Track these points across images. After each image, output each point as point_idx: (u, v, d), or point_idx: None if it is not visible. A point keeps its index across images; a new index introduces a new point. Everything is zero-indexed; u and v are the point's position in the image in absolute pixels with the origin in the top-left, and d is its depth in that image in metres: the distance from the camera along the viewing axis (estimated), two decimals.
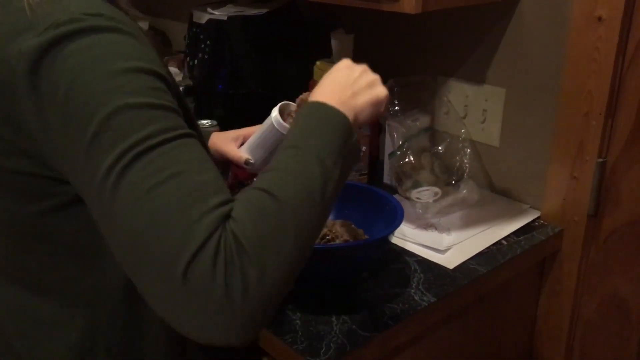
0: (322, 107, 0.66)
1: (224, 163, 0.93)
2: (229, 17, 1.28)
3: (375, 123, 1.27)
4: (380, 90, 0.72)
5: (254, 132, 0.92)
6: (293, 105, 0.90)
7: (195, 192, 0.54)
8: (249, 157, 0.91)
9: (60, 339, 0.69)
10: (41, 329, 0.69)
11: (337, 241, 0.92)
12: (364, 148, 1.14)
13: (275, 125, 0.86)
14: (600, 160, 1.01)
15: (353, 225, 0.95)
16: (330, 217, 0.99)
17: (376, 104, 0.71)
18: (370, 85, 0.71)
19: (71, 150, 0.56)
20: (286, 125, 0.87)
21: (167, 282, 0.52)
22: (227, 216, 0.55)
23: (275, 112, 0.87)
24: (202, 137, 0.76)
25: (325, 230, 0.94)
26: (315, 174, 0.59)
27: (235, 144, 0.93)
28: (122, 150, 0.54)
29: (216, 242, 0.52)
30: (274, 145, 0.92)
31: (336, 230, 0.94)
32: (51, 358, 0.70)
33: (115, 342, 0.70)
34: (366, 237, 0.95)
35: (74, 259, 0.67)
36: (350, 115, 0.66)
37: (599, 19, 0.95)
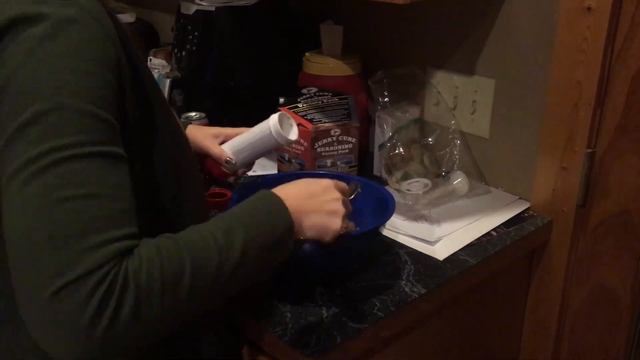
0: (275, 199, 0.66)
1: (199, 156, 0.92)
2: (217, 8, 1.26)
3: (365, 115, 1.27)
4: (336, 224, 0.71)
5: (241, 134, 0.92)
6: (291, 119, 0.91)
7: (106, 218, 0.53)
8: (231, 157, 0.91)
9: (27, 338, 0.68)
10: (4, 329, 0.69)
11: None
12: (353, 140, 1.14)
13: (274, 135, 0.87)
14: (589, 150, 1.01)
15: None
16: None
17: (324, 231, 0.70)
18: (331, 215, 0.71)
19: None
20: (285, 136, 0.87)
21: (37, 295, 0.51)
22: (129, 251, 0.54)
23: (274, 119, 0.87)
24: (178, 123, 0.75)
25: None
26: (232, 256, 0.59)
27: (217, 140, 0.93)
28: (48, 147, 0.52)
29: (103, 274, 0.51)
30: (264, 152, 0.93)
31: None
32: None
33: None
34: (357, 229, 0.95)
35: None
36: (297, 222, 0.66)
37: (588, 9, 0.95)
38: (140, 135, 0.65)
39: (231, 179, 1.01)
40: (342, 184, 0.76)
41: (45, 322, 0.52)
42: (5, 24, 0.55)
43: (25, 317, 0.53)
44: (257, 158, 0.95)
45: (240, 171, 0.97)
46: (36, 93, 0.53)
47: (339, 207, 0.72)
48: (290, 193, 0.69)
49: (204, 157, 0.94)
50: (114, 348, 0.53)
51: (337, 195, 0.73)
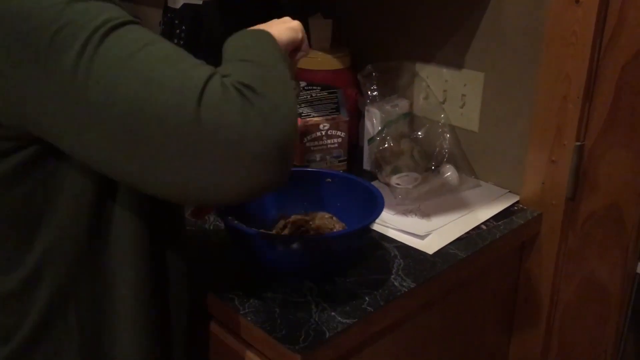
0: (245, 31, 0.69)
1: None
2: (205, 2, 1.25)
3: (354, 109, 1.26)
4: (295, 23, 0.76)
5: None
6: None
7: (177, 52, 0.54)
8: None
9: (26, 314, 0.67)
10: (4, 305, 0.68)
11: (312, 233, 0.91)
12: (342, 134, 1.13)
13: None
14: (578, 144, 1.01)
15: (334, 218, 0.94)
16: (311, 209, 0.98)
17: (290, 28, 0.74)
18: (285, 21, 0.76)
19: (25, 71, 0.53)
20: None
21: (182, 127, 0.50)
22: (217, 72, 0.55)
23: None
24: None
25: (301, 220, 0.93)
26: (273, 56, 0.62)
27: None
28: (86, 36, 0.52)
29: (219, 80, 0.52)
30: None
31: (314, 222, 0.93)
32: (18, 332, 0.68)
33: (84, 305, 0.69)
34: (345, 227, 0.94)
35: (14, 232, 0.65)
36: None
37: (577, 1, 0.95)
38: None
39: None
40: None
41: (206, 144, 0.51)
42: None
43: (185, 168, 0.52)
44: None
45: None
46: (43, 13, 0.53)
47: (291, 21, 0.77)
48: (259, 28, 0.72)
49: None
50: (280, 148, 0.52)
51: (291, 20, 0.77)
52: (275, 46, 0.66)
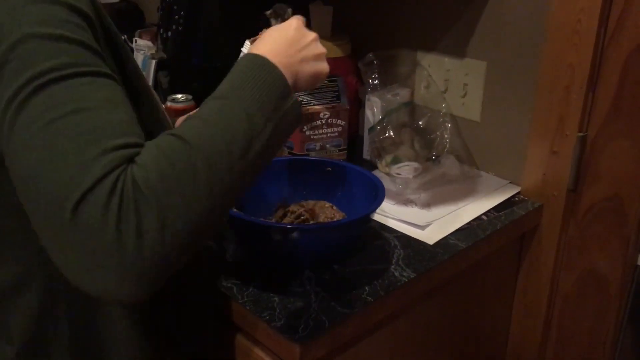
0: (260, 60, 0.61)
1: None
2: None
3: (354, 97, 1.25)
4: (325, 67, 0.69)
5: None
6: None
7: (97, 130, 0.50)
8: None
9: (23, 311, 0.67)
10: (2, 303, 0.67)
11: (312, 222, 0.90)
12: (342, 123, 1.12)
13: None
14: (581, 134, 1.00)
15: (334, 207, 0.93)
16: (311, 198, 0.97)
17: (317, 78, 0.68)
18: (317, 58, 0.68)
19: None
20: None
21: (55, 221, 0.49)
22: (130, 160, 0.51)
23: (245, 48, 0.81)
24: (157, 104, 0.73)
25: (301, 209, 0.92)
26: (238, 128, 0.55)
27: None
28: (23, 80, 0.50)
29: (112, 183, 0.48)
30: None
31: (313, 212, 0.92)
32: (14, 326, 0.67)
33: (75, 308, 0.68)
34: (345, 216, 0.93)
35: (13, 220, 0.64)
36: (289, 78, 0.62)
37: None
38: None
39: None
40: (301, 18, 0.73)
41: (73, 249, 0.49)
42: None
43: (52, 253, 0.50)
44: None
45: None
46: None
47: (321, 49, 0.70)
48: (271, 49, 0.63)
49: None
50: (148, 268, 0.49)
51: (312, 34, 0.70)
52: (275, 98, 0.59)
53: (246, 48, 0.80)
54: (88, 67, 0.53)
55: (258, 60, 0.61)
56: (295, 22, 0.70)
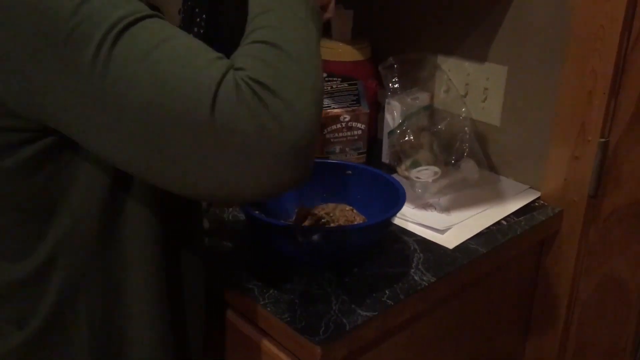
0: None
1: None
2: None
3: (374, 101, 1.26)
4: None
5: None
6: None
7: (193, 49, 0.53)
8: None
9: (39, 300, 0.67)
10: (18, 291, 0.68)
11: (332, 225, 0.91)
12: (362, 126, 1.12)
13: None
14: (603, 140, 1.00)
15: (355, 211, 0.94)
16: (331, 201, 0.98)
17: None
18: None
19: (44, 65, 0.53)
20: None
21: (196, 131, 0.51)
22: (232, 67, 0.54)
23: None
24: None
25: (322, 212, 0.93)
26: (300, 26, 0.59)
27: None
28: (101, 35, 0.52)
29: (233, 80, 0.52)
30: None
31: (334, 215, 0.93)
32: (29, 312, 0.68)
33: (94, 296, 0.69)
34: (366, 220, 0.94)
35: (28, 221, 0.65)
36: None
37: None
38: None
39: None
40: None
41: (223, 149, 0.51)
42: None
43: (198, 171, 0.52)
44: None
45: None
46: (57, 5, 0.52)
47: None
48: None
49: None
50: (302, 141, 0.52)
51: None
52: (301, 6, 0.63)
53: None
54: (148, 12, 0.55)
55: None
56: None
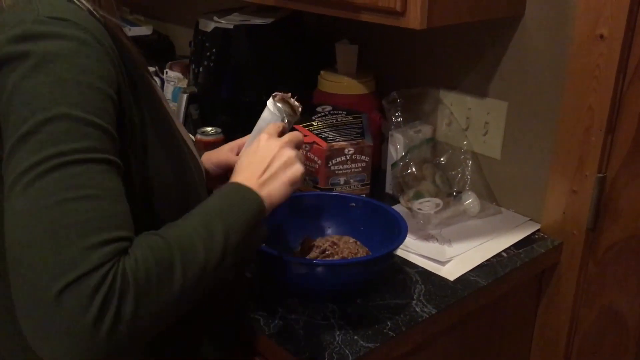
0: (240, 188, 0.70)
1: (222, 177, 0.93)
2: (235, 26, 1.29)
3: (377, 132, 1.29)
4: (297, 169, 0.75)
5: (249, 136, 0.92)
6: (285, 95, 0.87)
7: (104, 219, 0.56)
8: None
9: None
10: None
11: (336, 257, 0.93)
12: (366, 158, 1.15)
13: (273, 110, 0.84)
14: (600, 175, 1.03)
15: (358, 243, 0.96)
16: (335, 233, 1.01)
17: (291, 183, 0.74)
18: (287, 165, 0.74)
19: (6, 141, 0.57)
20: (281, 107, 0.84)
21: (40, 296, 0.52)
22: (124, 252, 0.56)
23: (269, 100, 0.86)
24: (182, 138, 0.77)
25: (326, 244, 0.95)
26: (217, 245, 0.63)
27: (233, 153, 0.94)
28: (48, 154, 0.55)
29: (104, 273, 0.53)
30: None
31: (338, 246, 0.95)
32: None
33: None
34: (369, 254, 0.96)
35: None
36: (265, 197, 0.71)
37: (601, 37, 0.96)
38: (141, 149, 0.68)
39: None
40: (277, 126, 0.80)
41: (49, 326, 0.53)
42: (8, 40, 0.57)
43: (26, 324, 0.54)
44: None
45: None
46: (36, 106, 0.56)
47: (289, 154, 0.75)
48: (247, 171, 0.73)
49: (230, 171, 0.95)
50: (116, 348, 0.54)
51: (279, 142, 0.76)
52: (251, 220, 0.68)
53: (270, 104, 0.85)
54: (105, 155, 0.58)
55: (238, 188, 0.71)
56: (263, 138, 0.77)
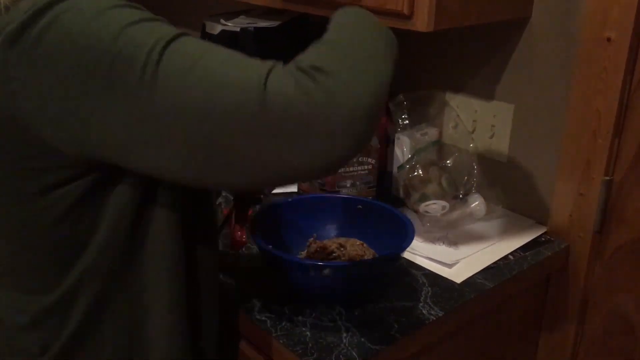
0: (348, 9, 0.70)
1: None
2: (242, 29, 1.29)
3: (384, 135, 1.29)
4: None
5: None
6: None
7: (234, 54, 0.57)
8: None
9: (63, 325, 0.70)
10: (44, 319, 0.71)
11: (343, 259, 0.93)
12: (372, 161, 1.16)
13: None
14: (607, 178, 1.03)
15: (365, 245, 0.97)
16: (342, 235, 1.01)
17: None
18: None
19: (88, 100, 0.57)
20: None
21: (250, 121, 0.53)
22: (278, 64, 0.57)
23: None
24: None
25: (332, 246, 0.96)
26: (367, 35, 0.63)
27: None
28: (144, 55, 0.55)
29: (281, 69, 0.55)
30: None
31: (345, 248, 0.96)
32: (55, 343, 0.71)
33: (119, 316, 0.72)
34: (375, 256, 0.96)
35: (57, 258, 0.68)
36: None
37: (608, 40, 0.97)
38: None
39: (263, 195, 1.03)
40: None
41: (275, 133, 0.53)
42: (29, 17, 0.58)
43: (255, 151, 0.54)
44: None
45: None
46: (96, 40, 0.56)
47: None
48: None
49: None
50: (355, 111, 0.54)
51: None
52: (372, 24, 0.67)
53: None
54: (180, 32, 0.59)
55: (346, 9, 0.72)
56: None
